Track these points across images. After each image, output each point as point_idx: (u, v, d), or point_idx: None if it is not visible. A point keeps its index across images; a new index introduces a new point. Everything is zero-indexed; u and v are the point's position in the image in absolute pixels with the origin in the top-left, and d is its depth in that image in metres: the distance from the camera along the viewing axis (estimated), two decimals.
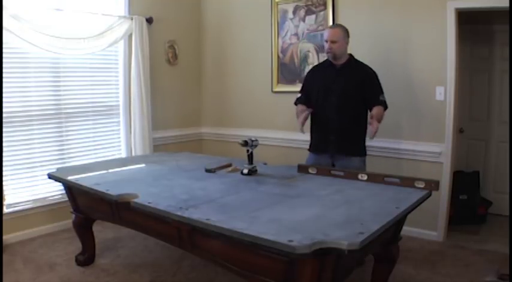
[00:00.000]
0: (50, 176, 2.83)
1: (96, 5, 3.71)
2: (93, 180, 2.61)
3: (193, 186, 2.40)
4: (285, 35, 4.06)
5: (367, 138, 2.93)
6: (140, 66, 3.92)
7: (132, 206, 2.15)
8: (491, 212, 3.93)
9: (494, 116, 4.10)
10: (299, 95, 3.13)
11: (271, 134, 4.12)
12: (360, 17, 3.58)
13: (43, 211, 3.52)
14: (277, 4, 4.06)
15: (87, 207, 2.78)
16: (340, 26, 2.95)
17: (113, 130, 4.03)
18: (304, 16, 3.91)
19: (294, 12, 3.97)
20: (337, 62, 2.91)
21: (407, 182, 2.31)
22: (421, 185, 2.26)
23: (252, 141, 2.68)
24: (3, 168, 3.09)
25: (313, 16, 3.85)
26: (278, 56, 4.12)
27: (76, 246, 3.10)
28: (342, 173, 2.59)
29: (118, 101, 4.02)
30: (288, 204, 2.05)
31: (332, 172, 2.63)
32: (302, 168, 2.74)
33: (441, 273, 2.81)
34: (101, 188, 2.41)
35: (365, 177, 2.47)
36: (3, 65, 3.05)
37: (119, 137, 4.09)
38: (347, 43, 2.90)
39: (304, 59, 3.95)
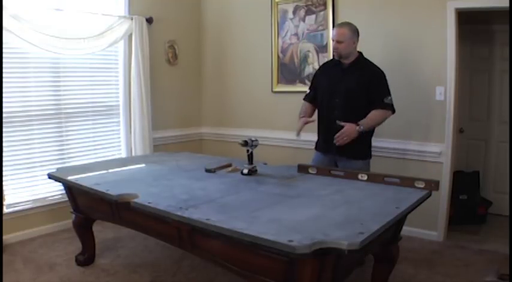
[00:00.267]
0: (50, 176, 2.83)
1: (96, 5, 3.71)
2: (93, 180, 2.61)
3: (193, 186, 2.40)
4: (285, 35, 4.05)
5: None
6: (140, 66, 3.92)
7: (132, 206, 2.15)
8: (491, 212, 3.93)
9: (494, 116, 4.10)
10: (308, 91, 3.11)
11: (271, 134, 4.12)
12: (360, 17, 3.56)
13: (43, 211, 3.52)
14: (277, 4, 4.06)
15: (87, 207, 2.78)
16: (348, 25, 2.84)
17: (112, 130, 4.03)
18: (304, 16, 3.91)
19: (294, 12, 3.97)
20: (344, 61, 2.86)
21: (407, 182, 2.31)
22: (421, 185, 2.26)
23: (252, 141, 2.68)
24: (3, 168, 3.09)
25: (313, 16, 3.85)
26: (278, 56, 4.12)
27: (76, 246, 3.10)
28: (342, 173, 2.59)
29: (118, 101, 4.02)
30: (288, 204, 2.05)
31: (332, 172, 2.63)
32: (302, 168, 2.74)
33: (441, 273, 2.81)
34: (101, 188, 2.41)
35: (365, 177, 2.47)
36: (3, 65, 3.05)
37: (119, 137, 4.09)
38: (355, 43, 2.81)
39: (304, 59, 3.95)
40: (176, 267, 2.92)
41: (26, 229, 3.40)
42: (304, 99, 3.12)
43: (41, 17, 3.27)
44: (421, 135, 3.41)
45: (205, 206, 2.02)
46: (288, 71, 4.08)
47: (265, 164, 2.95)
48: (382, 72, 2.83)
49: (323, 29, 3.78)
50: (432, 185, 2.25)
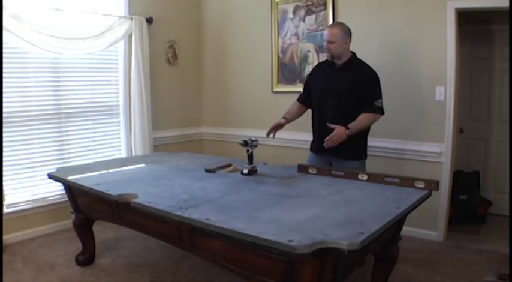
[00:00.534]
0: (50, 176, 2.83)
1: (96, 5, 3.71)
2: (93, 180, 2.61)
3: (193, 186, 2.40)
4: (285, 35, 4.06)
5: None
6: (140, 66, 3.92)
7: (132, 206, 2.15)
8: (491, 212, 3.93)
9: (494, 116, 4.10)
10: (302, 91, 3.13)
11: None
12: (360, 17, 3.58)
13: (43, 211, 3.52)
14: (277, 4, 4.06)
15: (87, 207, 2.78)
16: (340, 25, 2.86)
17: (112, 130, 4.03)
18: (304, 16, 3.91)
19: (294, 12, 3.97)
20: (336, 61, 2.86)
21: (407, 182, 2.31)
22: (421, 185, 2.26)
23: (252, 141, 2.68)
24: (3, 168, 3.09)
25: (313, 16, 3.85)
26: (278, 56, 4.12)
27: (76, 246, 3.10)
28: (342, 173, 2.59)
29: (118, 101, 4.02)
30: (288, 204, 2.05)
31: (332, 172, 2.63)
32: (302, 168, 2.74)
33: (441, 273, 2.81)
34: (101, 188, 2.41)
35: (365, 177, 2.47)
36: (3, 65, 3.05)
37: (119, 137, 4.09)
38: (347, 43, 2.81)
39: (304, 59, 3.95)
40: (176, 267, 2.92)
41: (26, 229, 3.41)
42: (297, 99, 3.14)
43: (41, 17, 3.27)
44: (421, 135, 3.41)
45: (205, 206, 2.02)
46: (288, 71, 4.08)
47: (265, 164, 2.96)
48: (375, 73, 2.81)
49: (323, 29, 3.76)
50: (432, 185, 2.24)
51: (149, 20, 4.03)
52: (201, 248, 2.00)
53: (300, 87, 3.82)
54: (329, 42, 2.79)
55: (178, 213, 1.92)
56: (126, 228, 2.71)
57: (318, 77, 3.01)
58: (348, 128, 2.68)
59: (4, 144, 3.13)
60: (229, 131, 4.54)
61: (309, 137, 3.13)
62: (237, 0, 4.37)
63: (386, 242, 2.20)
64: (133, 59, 3.91)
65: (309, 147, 3.10)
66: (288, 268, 1.64)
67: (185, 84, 4.58)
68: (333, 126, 2.68)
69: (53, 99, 3.55)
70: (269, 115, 4.20)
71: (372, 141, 3.52)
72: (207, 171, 2.77)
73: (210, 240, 1.89)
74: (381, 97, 2.79)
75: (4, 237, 3.13)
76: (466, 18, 3.44)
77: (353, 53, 2.88)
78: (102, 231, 3.47)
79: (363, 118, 2.75)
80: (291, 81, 4.05)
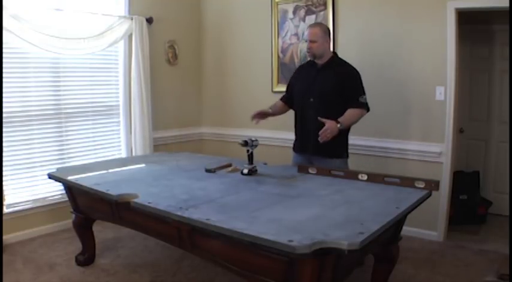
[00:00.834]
0: (50, 176, 2.83)
1: (96, 5, 3.71)
2: (93, 180, 2.61)
3: (193, 186, 2.40)
4: (285, 35, 4.06)
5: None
6: (140, 66, 3.92)
7: (132, 206, 2.15)
8: (491, 212, 3.93)
9: (494, 116, 4.10)
10: (285, 92, 3.17)
11: (271, 134, 4.12)
12: (360, 17, 3.58)
13: (43, 211, 3.52)
14: (277, 4, 4.06)
15: (87, 207, 2.78)
16: (320, 25, 2.94)
17: (112, 130, 4.03)
18: (304, 16, 3.91)
19: (294, 12, 3.97)
20: (318, 61, 2.89)
21: (407, 182, 2.31)
22: (421, 185, 2.26)
23: (252, 141, 2.68)
24: (3, 168, 3.09)
25: (313, 16, 3.85)
26: (278, 56, 4.12)
27: (76, 246, 3.10)
28: (342, 173, 2.59)
29: (118, 101, 4.02)
30: (288, 204, 2.05)
31: (332, 172, 2.63)
32: (302, 168, 2.74)
33: (441, 273, 2.81)
34: (101, 188, 2.41)
35: (365, 177, 2.47)
36: (3, 65, 3.05)
37: (119, 137, 4.09)
38: (327, 42, 2.87)
39: (304, 59, 3.94)
40: (176, 267, 2.92)
41: (26, 229, 3.40)
42: (280, 99, 3.19)
43: (41, 17, 3.27)
44: (421, 135, 3.41)
45: (205, 206, 2.02)
46: (288, 71, 4.07)
47: (265, 164, 2.95)
48: (356, 71, 2.84)
49: None
50: (432, 185, 2.25)
51: (149, 20, 4.03)
52: (201, 248, 2.00)
53: None
54: (311, 41, 2.82)
55: (178, 213, 1.92)
56: (126, 228, 2.71)
57: (300, 77, 3.05)
58: (338, 122, 2.69)
59: (4, 144, 3.13)
60: (229, 131, 4.54)
61: None
62: (237, 0, 4.37)
63: (387, 242, 2.20)
64: (134, 59, 3.91)
65: None
66: (288, 268, 1.64)
67: (185, 84, 4.58)
68: (323, 120, 2.68)
69: (53, 99, 3.55)
70: None
71: (372, 141, 3.53)
72: (207, 171, 2.77)
73: (210, 240, 1.89)
74: (364, 93, 2.81)
75: (4, 237, 3.13)
76: (466, 18, 3.44)
77: (334, 53, 2.94)
78: (102, 231, 3.47)
79: (351, 113, 2.76)
80: None
